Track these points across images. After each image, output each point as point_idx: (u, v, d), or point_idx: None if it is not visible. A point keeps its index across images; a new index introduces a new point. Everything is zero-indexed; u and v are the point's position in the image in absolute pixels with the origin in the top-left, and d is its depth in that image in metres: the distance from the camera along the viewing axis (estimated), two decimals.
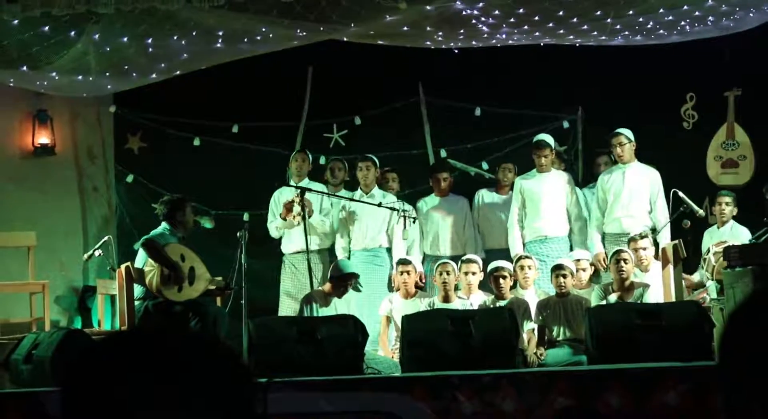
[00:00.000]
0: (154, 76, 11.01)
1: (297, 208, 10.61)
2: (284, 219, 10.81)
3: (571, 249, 10.73)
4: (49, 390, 7.14)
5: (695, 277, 10.44)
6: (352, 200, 10.96)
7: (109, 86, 11.43)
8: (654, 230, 10.35)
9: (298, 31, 10.19)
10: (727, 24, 10.60)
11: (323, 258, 10.96)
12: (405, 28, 10.39)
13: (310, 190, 10.65)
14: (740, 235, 10.39)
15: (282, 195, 11.10)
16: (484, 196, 11.37)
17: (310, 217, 10.54)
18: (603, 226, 10.74)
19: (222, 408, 1.55)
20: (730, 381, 1.42)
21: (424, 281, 10.64)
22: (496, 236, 11.15)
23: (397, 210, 10.54)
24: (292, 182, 10.97)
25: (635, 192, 10.64)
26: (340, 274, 9.90)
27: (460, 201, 11.31)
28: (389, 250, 10.95)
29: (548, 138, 11.08)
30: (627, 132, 10.71)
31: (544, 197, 10.81)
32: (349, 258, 10.77)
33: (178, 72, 11.10)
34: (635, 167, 10.75)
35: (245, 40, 10.40)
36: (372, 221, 10.96)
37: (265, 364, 7.41)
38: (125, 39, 10.05)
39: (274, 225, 11.09)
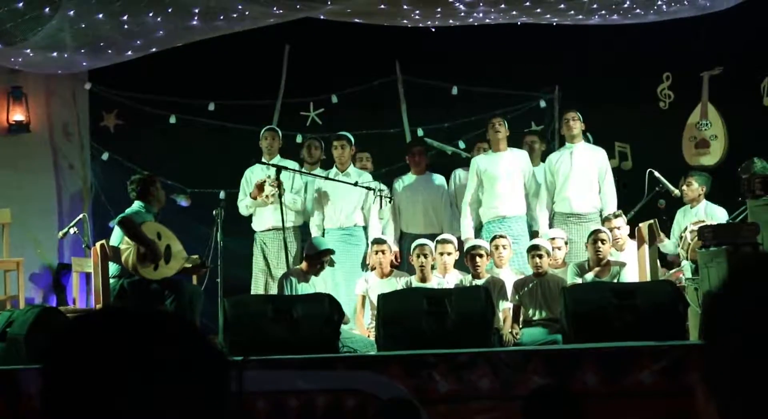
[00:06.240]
0: (129, 53, 10.96)
1: (269, 188, 10.58)
2: (254, 198, 10.77)
3: (530, 228, 10.76)
4: (23, 367, 7.12)
5: (669, 245, 10.45)
6: (327, 178, 10.92)
7: (84, 63, 11.37)
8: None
9: (275, 8, 10.15)
10: (703, 3, 10.63)
11: (296, 235, 10.93)
12: (382, 6, 10.36)
13: (285, 168, 10.61)
14: (715, 215, 10.42)
15: (253, 174, 11.05)
16: (461, 175, 11.34)
17: (281, 196, 10.50)
18: (552, 205, 10.80)
19: (197, 387, 1.54)
20: (715, 359, 1.41)
21: (399, 260, 10.66)
22: (473, 215, 11.14)
23: (374, 189, 10.53)
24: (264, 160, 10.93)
25: (583, 172, 10.72)
26: (316, 251, 9.89)
27: (438, 179, 11.29)
28: (365, 228, 10.94)
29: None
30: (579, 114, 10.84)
31: (501, 177, 10.75)
32: (323, 235, 10.74)
33: (153, 49, 11.05)
34: (582, 148, 10.86)
35: (221, 17, 10.35)
36: (347, 200, 10.92)
37: (240, 342, 7.40)
38: (100, 16, 9.99)
39: (244, 204, 11.02)
